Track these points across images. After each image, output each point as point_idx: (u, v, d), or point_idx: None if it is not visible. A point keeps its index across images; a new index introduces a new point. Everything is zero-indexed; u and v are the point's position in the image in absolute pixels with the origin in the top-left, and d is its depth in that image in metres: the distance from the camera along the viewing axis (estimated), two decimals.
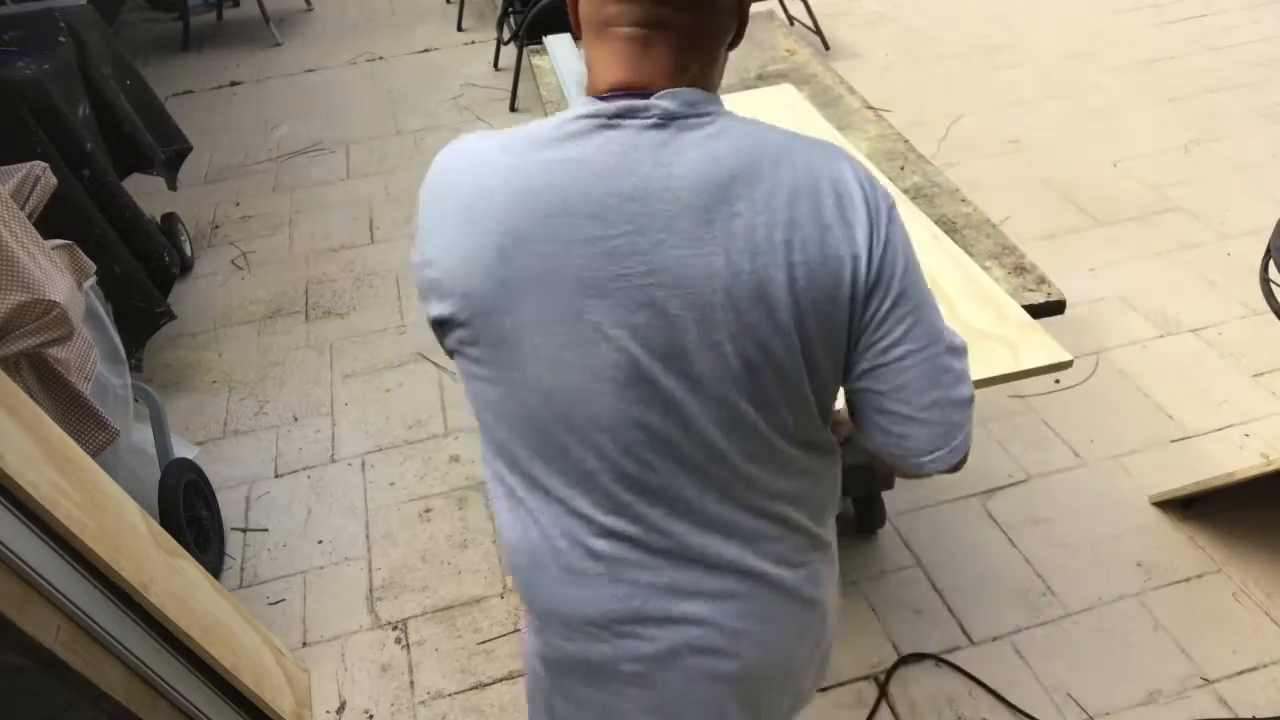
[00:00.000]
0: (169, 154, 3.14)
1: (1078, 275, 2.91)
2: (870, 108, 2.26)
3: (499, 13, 4.51)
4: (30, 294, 1.61)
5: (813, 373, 0.89)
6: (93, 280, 1.98)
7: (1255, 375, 2.53)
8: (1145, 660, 1.90)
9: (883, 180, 1.87)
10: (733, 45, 0.94)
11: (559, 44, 2.60)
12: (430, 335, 0.97)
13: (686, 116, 0.85)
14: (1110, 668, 1.89)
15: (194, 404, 2.79)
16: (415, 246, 0.93)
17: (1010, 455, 2.36)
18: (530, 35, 3.58)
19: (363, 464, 2.53)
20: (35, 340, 1.63)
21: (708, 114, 0.86)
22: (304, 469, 2.54)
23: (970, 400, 0.92)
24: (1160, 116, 3.72)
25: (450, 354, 0.96)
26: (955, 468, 0.94)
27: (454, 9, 5.37)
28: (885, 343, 0.88)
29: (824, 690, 1.89)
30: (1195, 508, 2.17)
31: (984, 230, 1.80)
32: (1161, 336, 2.68)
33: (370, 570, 2.24)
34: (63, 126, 2.45)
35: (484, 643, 2.05)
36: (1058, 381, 2.54)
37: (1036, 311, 1.57)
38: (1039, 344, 1.47)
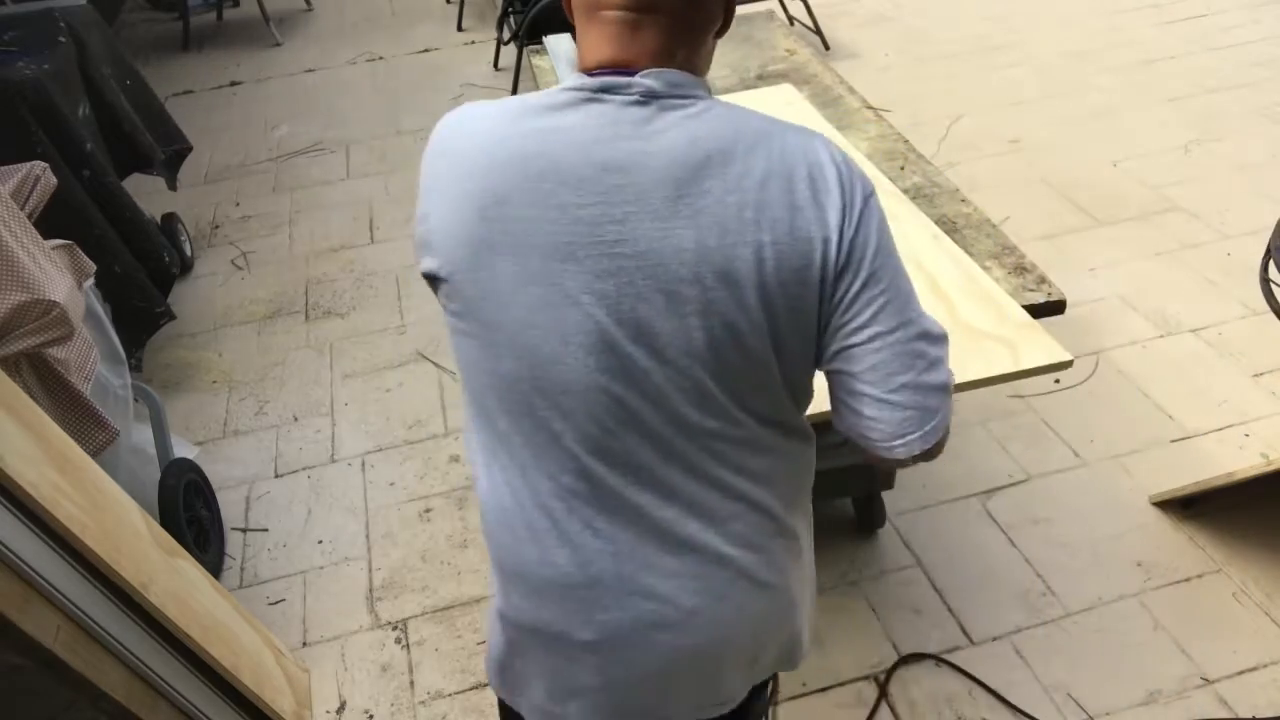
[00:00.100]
0: (169, 154, 3.14)
1: (1078, 275, 2.91)
2: (870, 108, 2.26)
3: (499, 13, 4.51)
4: (30, 294, 1.61)
5: (781, 353, 0.91)
6: (92, 280, 1.98)
7: (1255, 375, 2.53)
8: (1145, 660, 1.90)
9: (883, 180, 1.88)
10: (720, 33, 0.96)
11: (559, 44, 2.60)
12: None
13: (668, 96, 0.88)
14: (1110, 668, 1.89)
15: (194, 404, 2.79)
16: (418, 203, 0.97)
17: (1010, 455, 2.36)
18: (530, 35, 3.58)
19: (363, 464, 2.53)
20: (35, 340, 1.63)
21: (691, 96, 0.89)
22: (304, 469, 2.54)
23: (945, 387, 0.92)
24: (1160, 116, 3.72)
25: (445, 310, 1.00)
26: (930, 454, 0.93)
27: (454, 9, 5.37)
28: (854, 324, 0.89)
29: (824, 690, 1.89)
30: (1195, 508, 2.17)
31: (984, 230, 1.80)
32: (1161, 336, 2.68)
33: (370, 570, 2.24)
34: (63, 126, 2.45)
35: (484, 643, 2.05)
36: (1058, 381, 2.54)
37: (1036, 311, 1.57)
38: (1039, 344, 1.47)
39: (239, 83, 4.89)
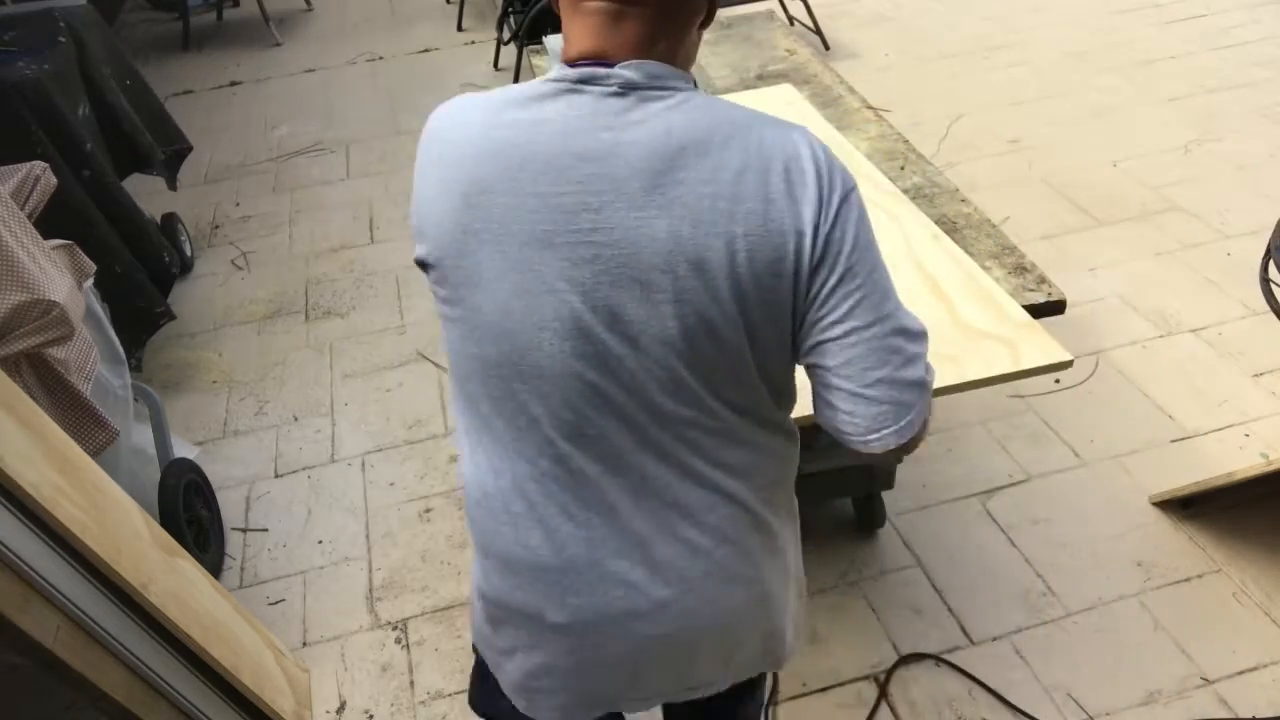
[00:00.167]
0: (169, 154, 3.14)
1: (1078, 275, 2.91)
2: (870, 108, 2.26)
3: (499, 13, 4.51)
4: (30, 294, 1.61)
5: (755, 344, 0.91)
6: (92, 280, 1.98)
7: (1255, 375, 2.53)
8: (1145, 660, 1.90)
9: (883, 180, 1.88)
10: (705, 24, 0.97)
11: (559, 43, 2.60)
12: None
13: (647, 88, 0.89)
14: (1110, 668, 1.89)
15: (194, 404, 2.79)
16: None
17: (1010, 455, 2.36)
18: (530, 35, 3.59)
19: (363, 464, 2.53)
20: (35, 340, 1.63)
21: (670, 88, 0.90)
22: (304, 469, 2.54)
23: (921, 383, 0.92)
24: (1160, 116, 3.72)
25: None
26: (905, 449, 0.94)
27: (454, 9, 5.37)
28: (830, 319, 0.90)
29: (824, 690, 1.89)
30: (1195, 508, 2.17)
31: (984, 230, 1.80)
32: (1161, 336, 2.68)
33: (370, 570, 2.24)
34: (63, 126, 2.45)
35: None
36: (1058, 381, 2.54)
37: (1037, 311, 1.57)
38: (1039, 344, 1.47)
39: (239, 83, 4.89)
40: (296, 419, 2.70)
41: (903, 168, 2.00)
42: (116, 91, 2.82)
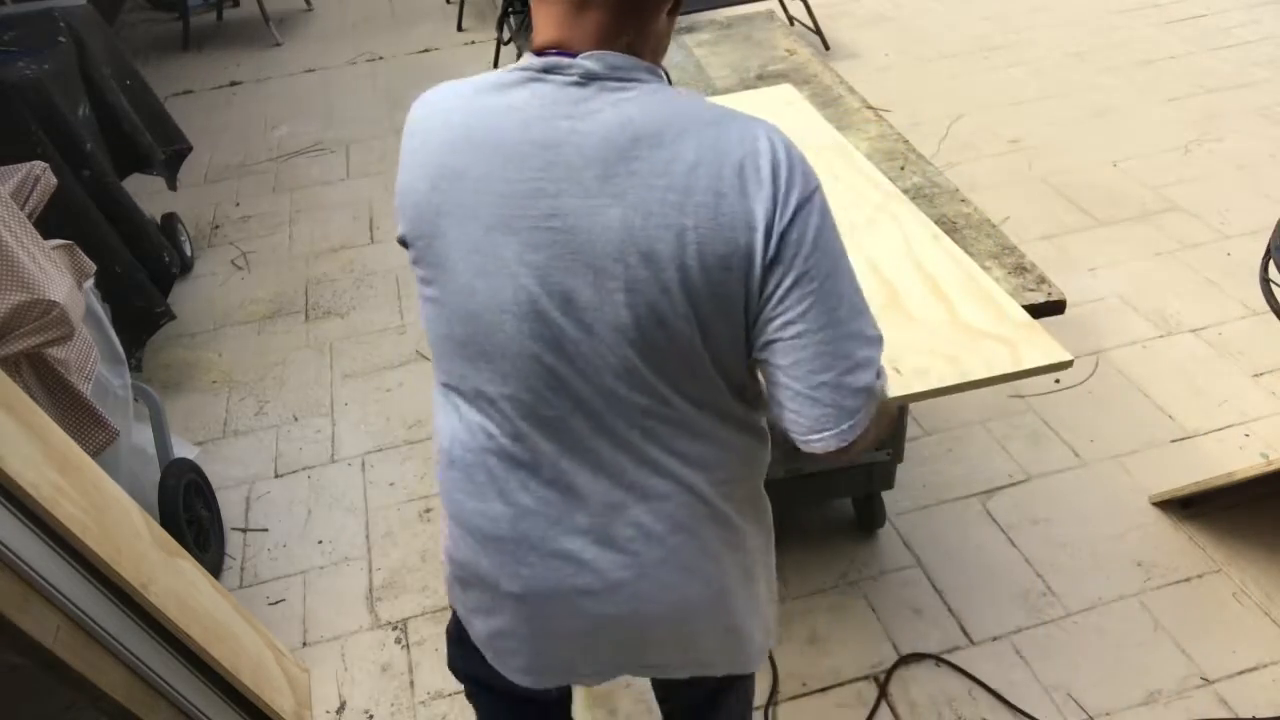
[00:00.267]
0: (169, 154, 3.14)
1: (1078, 275, 2.91)
2: (870, 108, 2.26)
3: (499, 13, 4.51)
4: (30, 294, 1.61)
5: (708, 338, 0.92)
6: (92, 280, 1.98)
7: (1255, 375, 2.53)
8: (1145, 660, 1.90)
9: (883, 180, 1.88)
10: (674, 11, 0.97)
11: None
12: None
13: (607, 79, 0.90)
14: (1110, 668, 1.89)
15: (194, 404, 2.79)
16: None
17: (1010, 455, 2.36)
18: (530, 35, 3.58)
19: (363, 464, 2.53)
20: (35, 340, 1.63)
21: (632, 79, 0.91)
22: (304, 469, 2.54)
23: (868, 389, 0.93)
24: (1160, 116, 3.72)
25: None
26: (846, 452, 0.95)
27: (454, 9, 5.37)
28: (782, 319, 0.90)
29: (824, 690, 1.89)
30: (1195, 508, 2.17)
31: (984, 230, 1.80)
32: (1161, 336, 2.68)
33: (370, 570, 2.24)
34: (63, 126, 2.45)
35: None
36: (1058, 381, 2.54)
37: (1036, 311, 1.57)
38: (1039, 344, 1.46)
39: (239, 83, 4.89)
40: (296, 419, 2.70)
41: (903, 168, 2.00)
42: (116, 91, 2.82)
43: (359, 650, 2.07)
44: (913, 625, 2.00)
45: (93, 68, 2.71)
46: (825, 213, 0.91)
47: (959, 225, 1.81)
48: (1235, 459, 2.28)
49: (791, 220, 0.88)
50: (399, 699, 1.96)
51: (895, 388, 1.39)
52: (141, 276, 2.66)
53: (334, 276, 3.30)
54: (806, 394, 0.91)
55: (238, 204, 3.80)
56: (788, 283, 0.89)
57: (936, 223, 1.79)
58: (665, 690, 1.49)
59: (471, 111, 0.94)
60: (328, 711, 1.96)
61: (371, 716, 1.94)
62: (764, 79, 2.43)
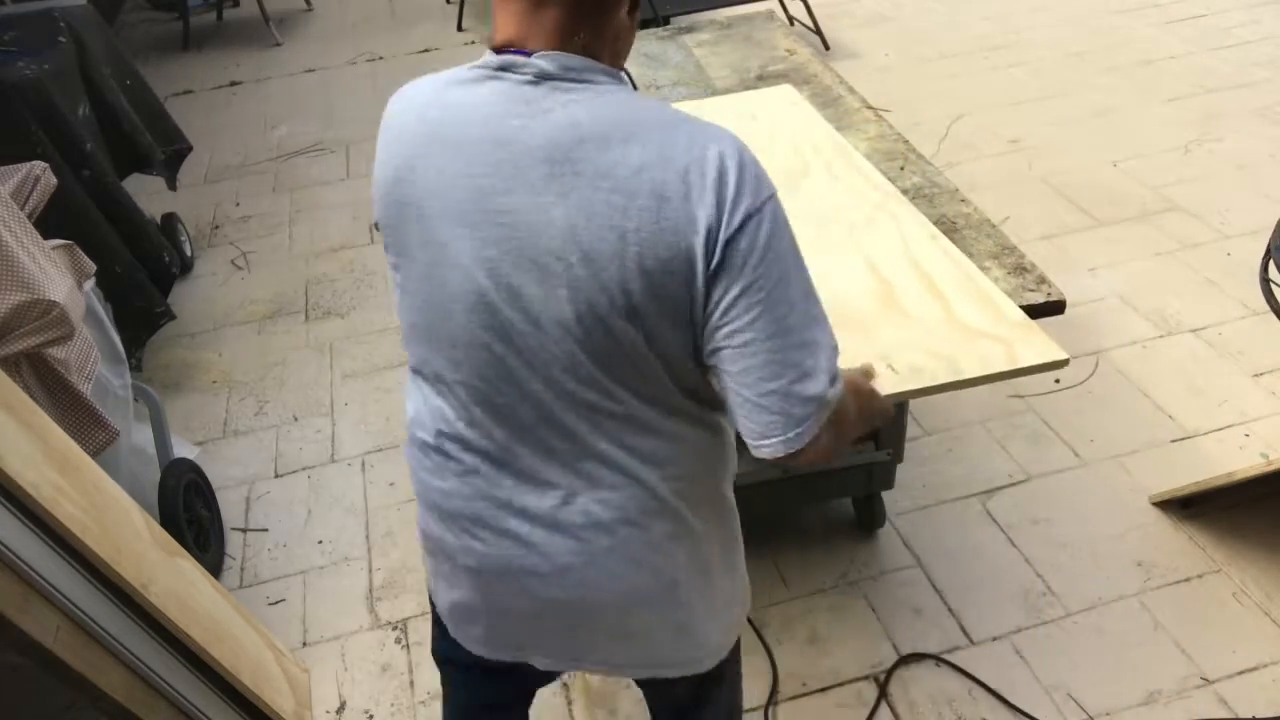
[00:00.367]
0: (169, 154, 3.14)
1: (1078, 275, 2.91)
2: (870, 108, 2.27)
3: None
4: (30, 294, 1.61)
5: (653, 341, 0.93)
6: (92, 280, 1.98)
7: (1255, 375, 2.53)
8: (1145, 660, 1.90)
9: (882, 180, 1.88)
10: (633, 10, 0.98)
11: None
12: None
13: (560, 79, 0.91)
14: (1110, 668, 1.89)
15: (194, 404, 2.79)
16: None
17: (1010, 455, 2.36)
18: None
19: (363, 464, 2.53)
20: (35, 340, 1.63)
21: (585, 80, 0.92)
22: (304, 469, 2.54)
23: (818, 398, 0.92)
24: (1160, 116, 3.72)
25: None
26: (795, 458, 0.94)
27: (454, 9, 5.37)
28: (730, 327, 0.91)
29: (824, 690, 1.89)
30: (1195, 508, 2.17)
31: (984, 230, 1.80)
32: (1161, 336, 2.68)
33: (370, 570, 2.24)
34: (63, 126, 2.45)
35: None
36: (1058, 381, 2.54)
37: (1036, 311, 1.57)
38: (1035, 343, 1.47)
39: (239, 83, 4.89)
40: (296, 419, 2.70)
41: (902, 168, 2.00)
42: (116, 91, 2.82)
43: (359, 650, 2.07)
44: (913, 625, 2.00)
45: (93, 68, 2.71)
46: (778, 222, 0.91)
47: (959, 225, 1.81)
48: (1235, 459, 2.28)
49: (740, 229, 0.88)
50: (399, 699, 1.96)
51: (890, 385, 1.40)
52: (141, 276, 2.66)
53: (334, 276, 3.30)
54: (755, 401, 0.92)
55: (238, 204, 3.80)
56: (735, 291, 0.89)
57: (936, 223, 1.79)
58: (646, 694, 1.47)
59: (438, 106, 0.96)
60: (328, 711, 1.96)
61: (371, 716, 1.94)
62: (764, 79, 2.43)
